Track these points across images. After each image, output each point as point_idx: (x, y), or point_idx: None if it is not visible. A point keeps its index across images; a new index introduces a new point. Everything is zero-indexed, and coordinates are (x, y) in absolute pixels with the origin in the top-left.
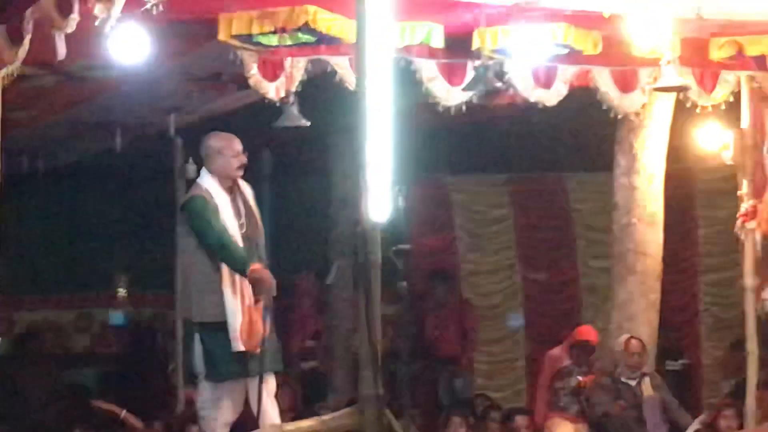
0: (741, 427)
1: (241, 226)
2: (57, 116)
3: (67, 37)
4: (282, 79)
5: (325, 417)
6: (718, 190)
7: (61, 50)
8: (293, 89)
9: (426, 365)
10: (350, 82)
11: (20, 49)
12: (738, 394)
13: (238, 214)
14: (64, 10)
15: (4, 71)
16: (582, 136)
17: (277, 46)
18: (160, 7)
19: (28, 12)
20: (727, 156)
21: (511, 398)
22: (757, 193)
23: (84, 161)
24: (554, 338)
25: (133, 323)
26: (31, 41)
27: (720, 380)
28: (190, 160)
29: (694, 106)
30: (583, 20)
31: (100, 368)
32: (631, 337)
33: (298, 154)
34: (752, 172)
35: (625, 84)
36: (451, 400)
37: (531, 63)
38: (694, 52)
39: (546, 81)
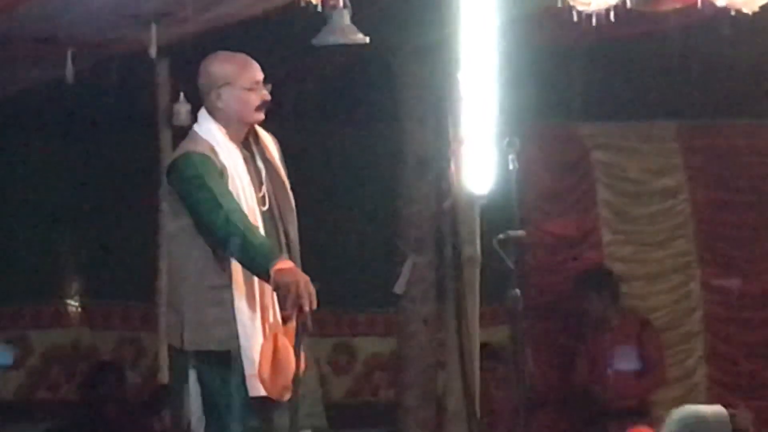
0: None
1: (261, 199)
2: None
3: None
4: None
5: None
6: None
7: None
8: None
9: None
10: None
11: None
12: None
13: (257, 181)
14: None
15: None
16: None
17: None
18: None
19: None
20: None
21: None
22: None
23: (16, 99)
24: (756, 383)
25: (93, 354)
26: None
27: None
28: (182, 97)
29: None
30: None
31: (42, 423)
32: None
33: (349, 89)
34: None
35: None
36: None
37: None
38: None
39: None
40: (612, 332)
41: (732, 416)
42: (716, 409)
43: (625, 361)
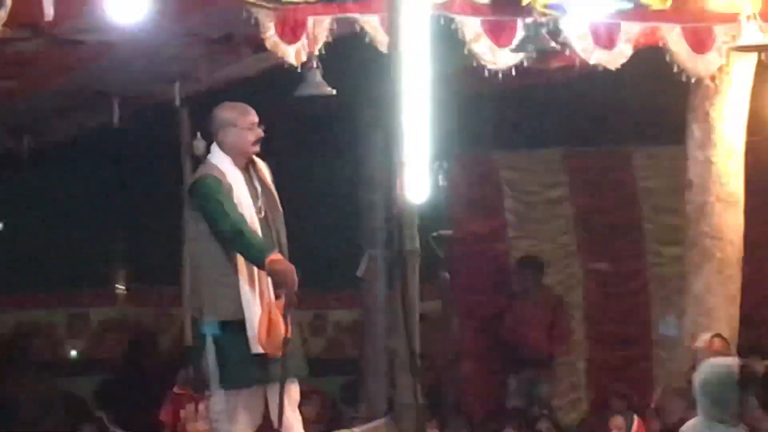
0: None
1: (258, 209)
2: (44, 87)
3: None
4: (303, 41)
5: (356, 429)
6: None
7: (49, 10)
8: (316, 53)
9: (504, 365)
10: (382, 43)
11: (1, 9)
12: None
13: (254, 196)
14: None
15: None
16: (650, 104)
17: (297, 3)
18: None
19: None
20: None
21: (569, 408)
22: None
23: (77, 138)
24: (619, 336)
25: (135, 325)
26: (14, 0)
27: None
28: (199, 135)
29: None
30: None
31: (97, 376)
32: (715, 335)
33: (322, 128)
34: None
35: (699, 43)
36: (514, 405)
37: (590, 20)
38: None
39: (607, 40)
40: (534, 302)
41: (743, 366)
42: (729, 360)
43: (541, 324)
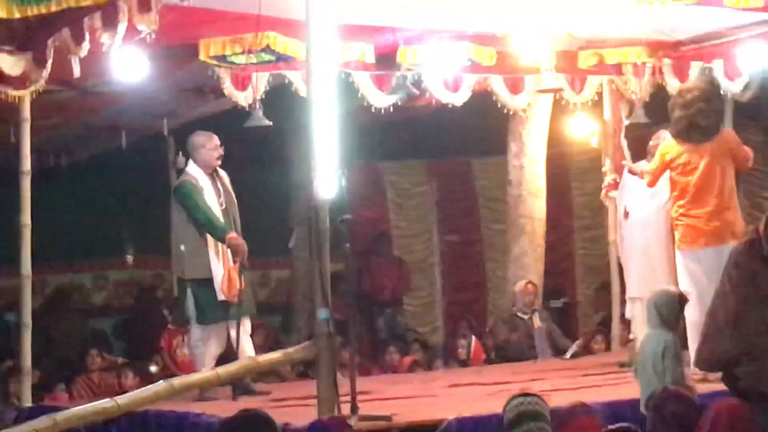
0: (608, 348)
1: (220, 203)
2: (75, 122)
3: (81, 60)
4: (250, 90)
5: (289, 350)
6: (587, 168)
7: (77, 70)
8: (259, 97)
9: (369, 308)
10: (303, 90)
11: (44, 71)
12: (605, 324)
13: (218, 195)
14: (78, 39)
15: (32, 88)
16: (483, 128)
17: (245, 64)
18: (153, 36)
19: (50, 41)
20: (594, 141)
21: (431, 333)
22: (616, 169)
23: (98, 156)
24: (464, 284)
25: (140, 282)
26: (53, 64)
27: (591, 314)
28: (180, 153)
29: (568, 103)
30: (482, 39)
31: (114, 318)
32: (528, 281)
33: (264, 148)
34: (612, 153)
35: (515, 87)
36: (389, 334)
37: (442, 73)
38: (567, 62)
39: (454, 86)
40: (386, 264)
41: (680, 294)
42: (673, 289)
43: (390, 278)
